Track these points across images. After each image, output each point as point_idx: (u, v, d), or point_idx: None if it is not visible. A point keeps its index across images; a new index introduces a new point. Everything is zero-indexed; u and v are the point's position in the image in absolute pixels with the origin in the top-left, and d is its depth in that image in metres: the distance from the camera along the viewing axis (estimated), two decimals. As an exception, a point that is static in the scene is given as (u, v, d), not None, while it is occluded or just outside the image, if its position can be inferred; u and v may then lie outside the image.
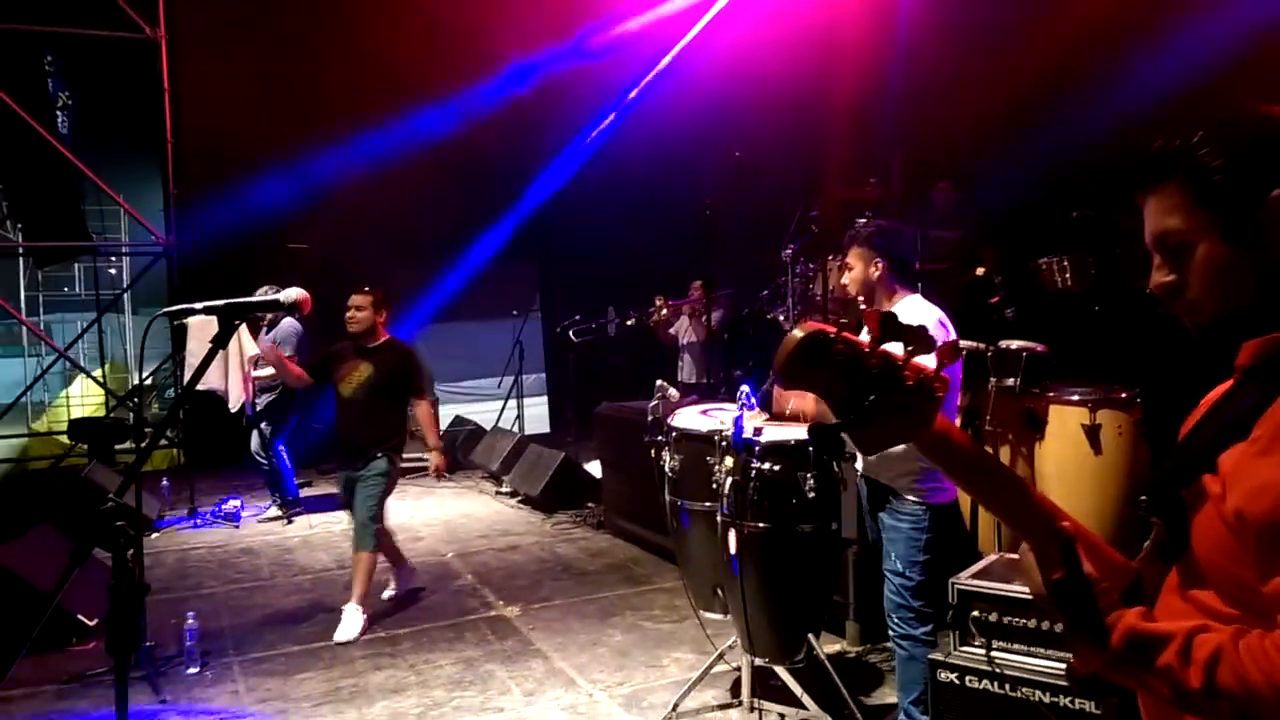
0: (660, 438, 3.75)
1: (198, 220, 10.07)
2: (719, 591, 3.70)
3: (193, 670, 4.33)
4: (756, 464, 3.21)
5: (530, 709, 3.91)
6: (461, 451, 9.66)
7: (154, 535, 7.06)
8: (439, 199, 10.60)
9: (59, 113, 12.53)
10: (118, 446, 9.09)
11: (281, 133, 9.93)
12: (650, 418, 3.75)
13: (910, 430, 1.07)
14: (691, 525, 3.68)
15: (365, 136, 10.35)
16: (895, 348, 1.03)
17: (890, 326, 1.02)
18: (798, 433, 3.29)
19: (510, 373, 10.83)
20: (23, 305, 16.60)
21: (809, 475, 3.20)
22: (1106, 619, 1.06)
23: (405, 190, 10.26)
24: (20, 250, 11.73)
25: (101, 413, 15.37)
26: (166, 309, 1.99)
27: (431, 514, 7.69)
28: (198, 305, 1.92)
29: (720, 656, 3.66)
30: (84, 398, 16.29)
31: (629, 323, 7.83)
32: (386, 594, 5.33)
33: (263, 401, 7.42)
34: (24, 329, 18.17)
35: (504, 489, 8.26)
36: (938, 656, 2.68)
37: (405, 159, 10.14)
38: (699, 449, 3.60)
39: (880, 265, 3.17)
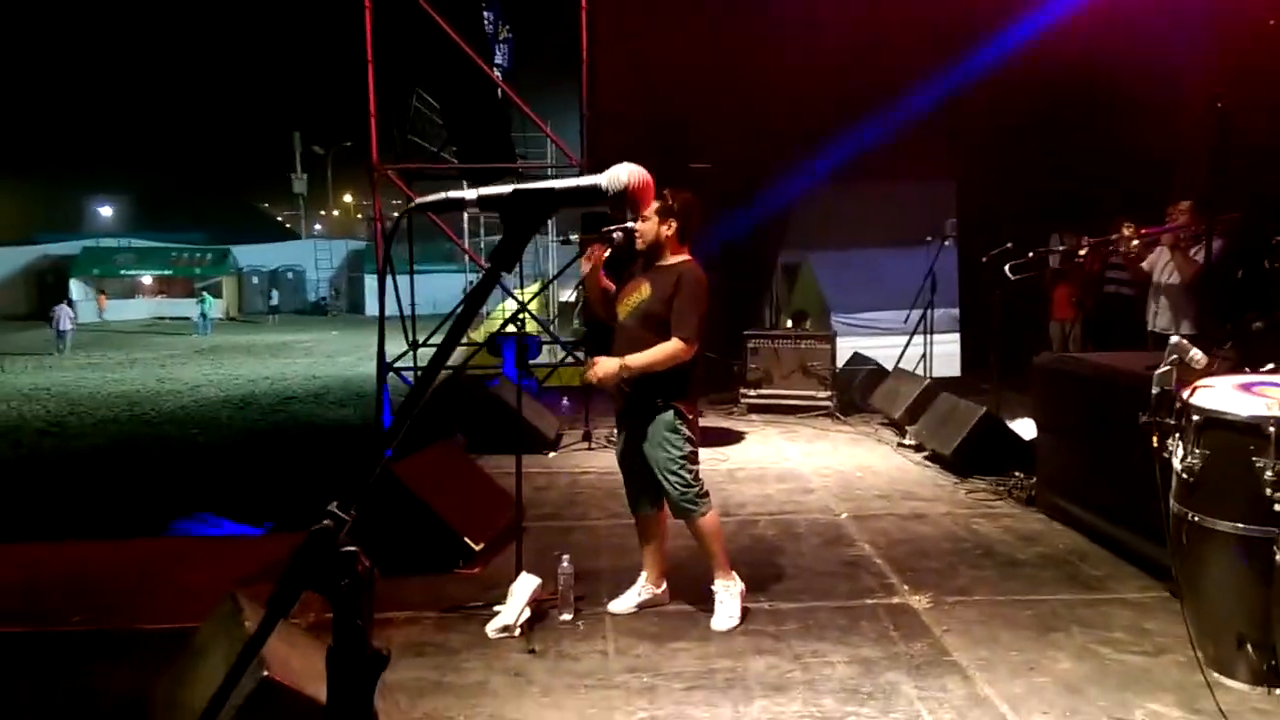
0: (1169, 419, 2.58)
1: (611, 142, 10.10)
2: (1250, 648, 2.50)
3: (565, 617, 4.02)
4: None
5: (947, 750, 3.02)
6: (859, 393, 8.80)
7: (550, 455, 7.13)
8: (846, 107, 9.55)
9: (498, 45, 13.42)
10: (531, 361, 9.58)
11: (693, 58, 9.56)
12: (1156, 389, 2.59)
13: None
14: (1213, 550, 2.51)
15: (768, 52, 9.61)
16: None
17: None
18: None
19: (919, 306, 9.66)
20: (465, 227, 18.50)
21: None
22: None
23: (813, 100, 9.38)
24: (458, 173, 12.76)
25: (530, 328, 16.79)
26: (422, 200, 1.29)
27: (823, 461, 6.95)
28: (468, 194, 1.22)
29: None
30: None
31: (1081, 254, 6.32)
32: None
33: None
34: (476, 248, 20.37)
35: (907, 441, 7.27)
36: None
37: (810, 65, 9.22)
38: (1238, 442, 2.40)
39: None
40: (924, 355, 9.57)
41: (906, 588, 4.38)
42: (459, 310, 1.09)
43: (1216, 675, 2.60)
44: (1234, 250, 5.52)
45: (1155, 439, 2.58)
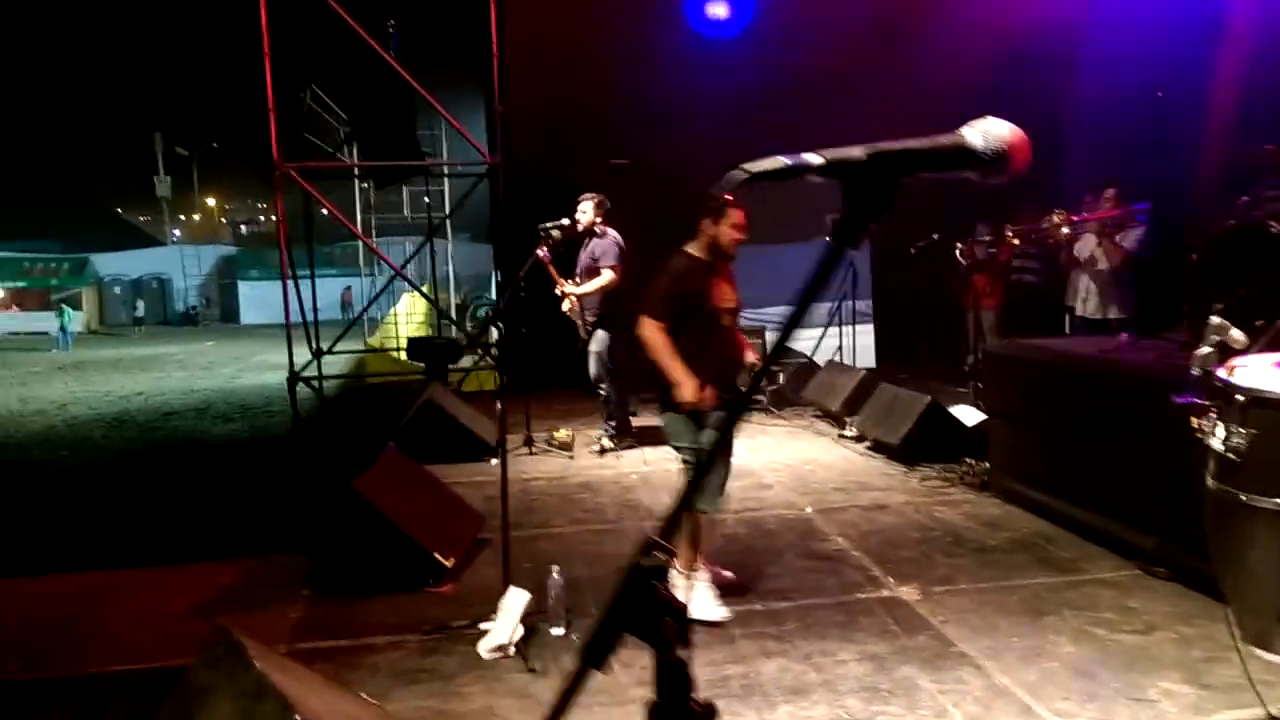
0: (1209, 401, 2.60)
1: (521, 139, 9.83)
2: (1292, 625, 2.54)
3: (557, 631, 3.81)
4: None
5: (984, 743, 2.98)
6: (790, 386, 8.84)
7: (493, 462, 6.85)
8: (755, 102, 9.57)
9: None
10: (450, 366, 9.21)
11: (606, 51, 9.40)
12: (1196, 370, 2.60)
13: None
14: (1261, 529, 2.53)
15: (686, 47, 9.57)
16: None
17: None
18: None
19: (834, 299, 9.79)
20: (358, 229, 17.75)
21: None
22: None
23: (731, 101, 9.36)
24: (356, 172, 12.22)
25: (425, 330, 16.23)
26: (754, 165, 1.05)
27: (771, 456, 6.92)
28: (813, 159, 0.97)
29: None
30: (410, 315, 17.29)
31: (1015, 241, 6.50)
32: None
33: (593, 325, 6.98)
34: (359, 249, 19.55)
35: (848, 432, 7.32)
36: None
37: (730, 61, 9.22)
38: (1287, 421, 2.43)
39: None
40: (839, 347, 9.70)
41: (892, 580, 4.35)
42: (804, 293, 0.85)
43: (1255, 649, 2.63)
44: (1159, 237, 5.75)
45: (1195, 421, 2.60)
